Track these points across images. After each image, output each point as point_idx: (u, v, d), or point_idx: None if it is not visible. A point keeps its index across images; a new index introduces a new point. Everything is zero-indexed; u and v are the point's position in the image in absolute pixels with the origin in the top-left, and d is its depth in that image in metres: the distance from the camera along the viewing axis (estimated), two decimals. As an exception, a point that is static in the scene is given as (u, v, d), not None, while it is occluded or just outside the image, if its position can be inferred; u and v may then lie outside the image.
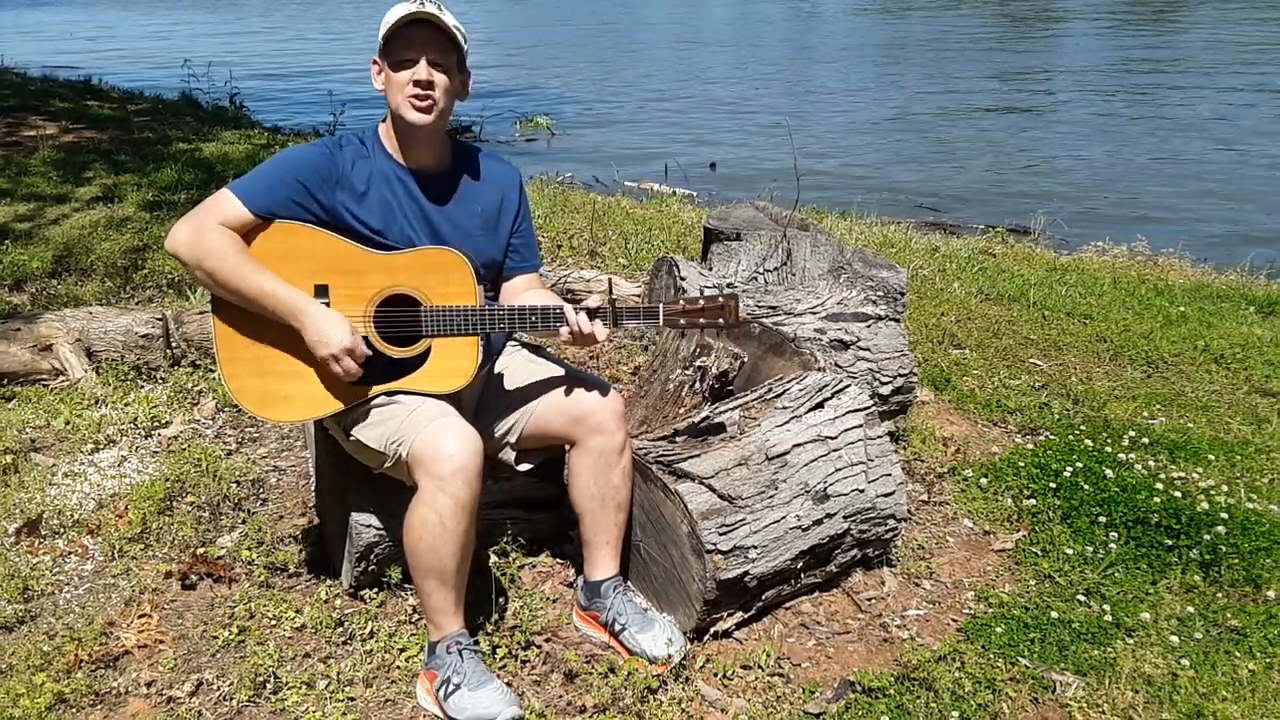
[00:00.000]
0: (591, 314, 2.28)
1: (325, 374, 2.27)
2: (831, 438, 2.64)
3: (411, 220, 2.34)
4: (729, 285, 3.98)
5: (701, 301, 2.34)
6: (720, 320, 2.34)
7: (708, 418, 2.67)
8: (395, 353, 2.30)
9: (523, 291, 2.51)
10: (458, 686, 2.18)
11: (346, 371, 2.22)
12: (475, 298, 2.29)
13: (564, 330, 2.28)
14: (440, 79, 2.27)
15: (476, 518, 2.21)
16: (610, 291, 2.11)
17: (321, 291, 2.26)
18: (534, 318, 2.30)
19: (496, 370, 2.55)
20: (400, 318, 2.28)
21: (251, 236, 2.24)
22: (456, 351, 2.30)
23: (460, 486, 2.13)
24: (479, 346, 2.31)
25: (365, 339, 2.26)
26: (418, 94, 2.24)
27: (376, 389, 2.30)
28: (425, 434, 2.17)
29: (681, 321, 2.34)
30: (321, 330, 2.19)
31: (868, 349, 3.31)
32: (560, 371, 2.49)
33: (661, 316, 2.34)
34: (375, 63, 2.33)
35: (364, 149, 2.34)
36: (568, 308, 2.29)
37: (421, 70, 2.24)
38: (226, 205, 2.23)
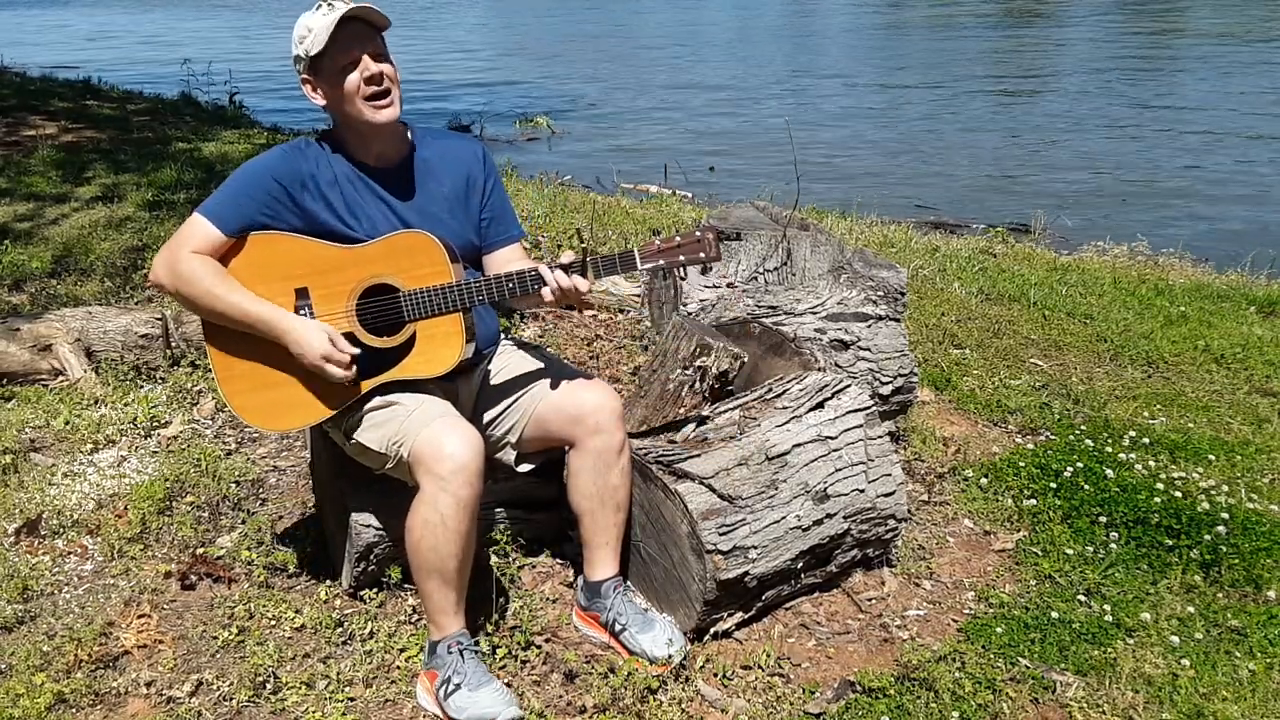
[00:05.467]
0: (568, 269, 2.25)
1: (319, 376, 2.29)
2: (832, 438, 2.63)
3: (377, 216, 2.34)
4: (729, 285, 3.98)
5: (678, 238, 2.27)
6: (700, 255, 2.25)
7: (707, 418, 2.66)
8: (381, 343, 2.31)
9: (507, 264, 2.48)
10: (458, 686, 2.18)
11: (335, 374, 2.24)
12: (450, 274, 2.27)
13: (545, 291, 2.24)
14: (387, 68, 2.26)
15: (478, 517, 2.20)
16: (583, 242, 2.08)
17: (303, 294, 2.29)
18: (511, 284, 2.27)
19: (494, 370, 2.55)
20: (382, 307, 2.29)
21: (228, 254, 2.27)
22: (441, 331, 2.30)
23: (461, 485, 2.13)
24: (462, 322, 2.30)
25: (351, 335, 2.28)
26: (374, 91, 2.23)
27: (371, 382, 2.31)
28: (426, 434, 2.17)
29: (661, 261, 2.26)
30: (300, 343, 2.23)
31: (868, 349, 3.31)
32: (558, 372, 2.49)
33: (638, 259, 2.26)
34: (307, 81, 2.28)
35: (324, 151, 2.33)
36: (543, 267, 2.26)
37: (371, 66, 2.22)
38: (198, 230, 2.25)
